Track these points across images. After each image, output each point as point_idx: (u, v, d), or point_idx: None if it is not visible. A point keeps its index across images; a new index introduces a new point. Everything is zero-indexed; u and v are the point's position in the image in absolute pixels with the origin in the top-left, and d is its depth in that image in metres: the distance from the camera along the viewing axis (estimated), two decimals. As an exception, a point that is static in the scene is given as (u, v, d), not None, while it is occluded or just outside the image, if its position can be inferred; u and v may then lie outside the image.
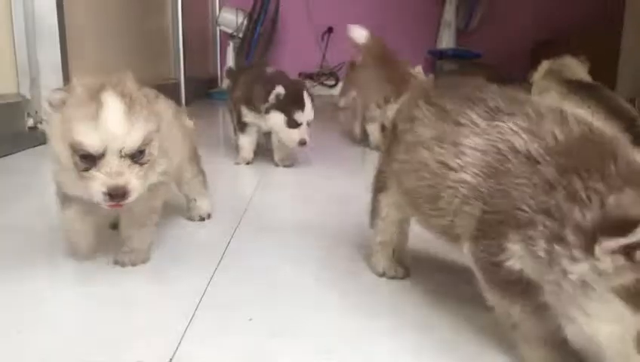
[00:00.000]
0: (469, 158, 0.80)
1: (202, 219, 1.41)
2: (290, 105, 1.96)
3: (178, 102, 3.99)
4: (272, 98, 1.95)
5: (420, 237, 1.07)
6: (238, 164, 2.15)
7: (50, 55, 2.38)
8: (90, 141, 0.90)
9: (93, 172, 0.92)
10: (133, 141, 0.93)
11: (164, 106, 1.15)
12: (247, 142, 2.14)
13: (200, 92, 4.60)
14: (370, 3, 5.28)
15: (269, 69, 2.18)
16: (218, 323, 0.89)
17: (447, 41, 5.03)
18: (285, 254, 1.20)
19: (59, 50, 2.39)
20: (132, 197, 0.94)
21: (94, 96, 0.92)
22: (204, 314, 0.91)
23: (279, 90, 1.94)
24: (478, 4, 4.91)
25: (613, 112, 1.78)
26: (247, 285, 1.04)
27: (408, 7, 5.25)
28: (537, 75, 2.29)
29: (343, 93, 3.78)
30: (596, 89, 1.89)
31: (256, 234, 1.32)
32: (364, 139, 2.62)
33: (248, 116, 2.08)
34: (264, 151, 2.30)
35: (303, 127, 1.98)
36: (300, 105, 1.97)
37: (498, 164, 0.75)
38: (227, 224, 1.39)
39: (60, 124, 0.94)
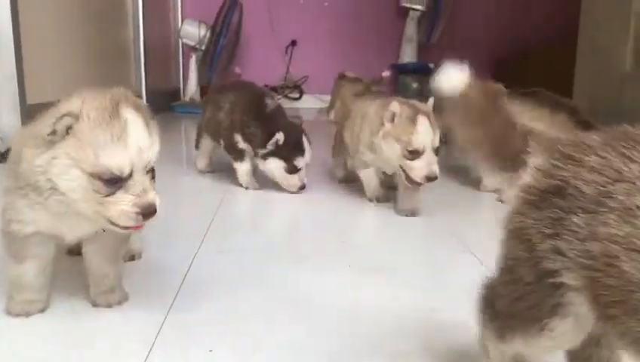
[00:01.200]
0: None
1: (133, 258, 1.26)
2: (290, 151, 1.89)
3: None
4: (271, 145, 1.88)
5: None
6: (247, 189, 2.04)
7: (4, 67, 2.31)
8: (119, 163, 0.84)
9: (119, 195, 0.86)
10: (154, 155, 0.89)
11: None
12: (246, 171, 2.03)
13: (162, 105, 4.54)
14: (334, 17, 5.31)
15: (269, 101, 2.03)
16: (178, 355, 0.87)
17: (409, 55, 5.10)
18: (248, 279, 1.19)
19: (14, 62, 2.33)
20: (157, 214, 0.89)
21: (112, 115, 0.85)
22: (163, 346, 0.90)
23: (279, 136, 1.86)
24: (438, 19, 5.00)
25: (556, 106, 1.87)
26: (208, 314, 1.02)
27: (372, 21, 5.30)
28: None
29: (331, 106, 3.83)
30: (535, 92, 1.97)
31: (218, 258, 1.31)
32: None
33: (244, 145, 1.98)
34: (228, 168, 2.28)
35: (302, 171, 1.94)
36: (301, 151, 1.90)
37: None
38: (188, 246, 1.37)
39: (73, 152, 0.84)
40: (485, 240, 1.35)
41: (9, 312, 0.98)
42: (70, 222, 0.93)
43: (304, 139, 1.92)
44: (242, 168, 2.03)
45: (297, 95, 5.34)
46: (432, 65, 4.84)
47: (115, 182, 0.85)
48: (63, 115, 0.84)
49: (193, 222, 1.60)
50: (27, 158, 0.88)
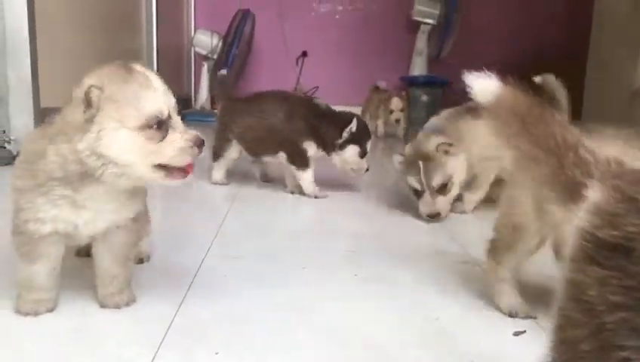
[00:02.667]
0: None
1: (141, 261, 1.27)
2: (361, 136, 2.03)
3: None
4: (347, 132, 2.00)
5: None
6: (317, 197, 2.08)
7: (19, 69, 2.35)
8: (158, 106, 0.90)
9: (170, 136, 0.91)
10: (174, 98, 0.96)
11: None
12: (311, 179, 2.07)
13: (173, 112, 4.58)
14: (345, 28, 5.35)
15: (319, 101, 2.14)
16: (184, 357, 0.88)
17: (419, 68, 5.12)
18: (255, 284, 1.20)
19: (29, 65, 2.36)
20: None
21: (128, 72, 0.91)
22: (170, 347, 0.90)
23: (353, 124, 1.99)
24: (449, 34, 5.02)
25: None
26: (215, 317, 1.03)
27: (383, 34, 5.33)
28: None
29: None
30: None
31: (226, 262, 1.32)
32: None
33: (314, 150, 2.04)
34: (230, 175, 2.29)
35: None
36: (369, 135, 2.06)
37: None
38: (196, 250, 1.38)
39: (115, 115, 0.88)
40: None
41: (18, 311, 0.99)
42: (88, 216, 0.96)
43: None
44: (308, 176, 2.05)
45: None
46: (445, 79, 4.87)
47: (161, 124, 0.91)
48: (89, 88, 0.88)
49: (202, 227, 1.61)
50: (58, 152, 0.91)
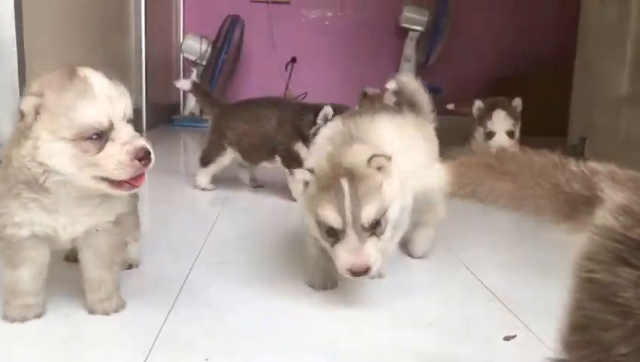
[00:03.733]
0: None
1: (130, 267, 1.26)
2: None
3: (139, 128, 3.98)
4: (320, 121, 1.93)
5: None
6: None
7: (8, 78, 2.33)
8: (95, 115, 0.86)
9: (108, 148, 0.88)
10: (128, 105, 0.92)
11: None
12: None
13: (162, 118, 4.56)
14: (334, 35, 5.36)
15: (288, 99, 2.17)
16: (173, 363, 0.87)
17: (408, 74, 5.14)
18: (244, 290, 1.19)
19: (17, 75, 2.34)
20: (152, 162, 0.92)
21: (71, 77, 0.89)
22: (159, 353, 0.90)
23: (327, 109, 1.94)
24: (437, 40, 5.05)
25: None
26: (205, 323, 1.02)
27: (371, 40, 5.35)
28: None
29: None
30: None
31: (215, 269, 1.31)
32: None
33: (305, 152, 2.01)
34: (217, 181, 2.28)
35: None
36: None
37: None
38: (186, 256, 1.37)
39: (49, 126, 0.86)
40: (479, 255, 1.36)
41: (5, 317, 0.99)
42: (64, 220, 0.94)
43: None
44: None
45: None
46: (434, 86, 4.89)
47: (98, 136, 0.86)
48: (25, 97, 0.87)
49: (191, 233, 1.61)
50: (16, 156, 0.89)
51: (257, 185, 2.30)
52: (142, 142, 0.88)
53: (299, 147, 2.03)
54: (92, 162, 0.86)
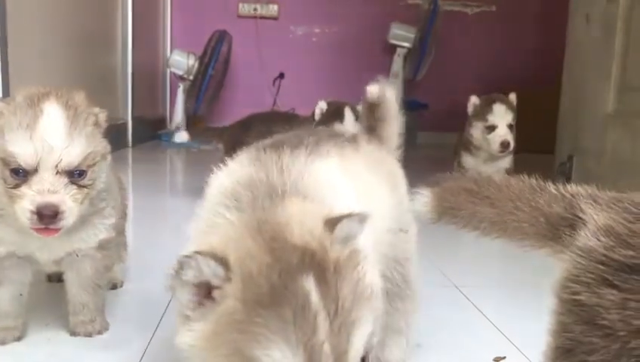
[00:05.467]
0: None
1: (115, 286, 1.23)
2: (332, 116, 2.03)
3: (124, 143, 3.94)
4: (317, 116, 2.01)
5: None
6: None
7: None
8: (23, 152, 0.80)
9: (23, 189, 0.81)
10: (72, 156, 0.82)
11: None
12: None
13: (148, 133, 4.53)
14: (322, 51, 5.38)
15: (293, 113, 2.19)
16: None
17: (396, 91, 5.16)
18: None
19: (0, 88, 2.31)
20: (65, 221, 0.82)
21: (31, 105, 0.83)
22: (143, 378, 0.87)
23: (322, 104, 2.01)
24: (424, 57, 5.08)
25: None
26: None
27: (359, 56, 5.37)
28: None
29: None
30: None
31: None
32: None
33: None
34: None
35: None
36: (341, 116, 2.05)
37: None
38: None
39: None
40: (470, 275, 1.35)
41: None
42: (37, 241, 0.90)
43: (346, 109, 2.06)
44: None
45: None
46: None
47: (19, 173, 0.82)
48: None
49: (176, 252, 1.58)
50: None
51: None
52: (54, 199, 0.81)
53: None
54: (9, 194, 0.83)
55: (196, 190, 2.31)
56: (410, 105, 4.94)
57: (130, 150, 3.91)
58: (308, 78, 5.40)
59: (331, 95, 5.44)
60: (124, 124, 4.00)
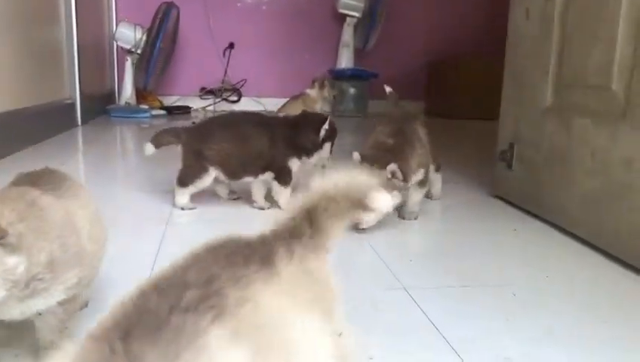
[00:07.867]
0: None
1: (80, 308, 1.16)
2: (333, 133, 2.08)
3: (74, 122, 3.86)
4: (324, 130, 2.03)
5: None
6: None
7: None
8: None
9: None
10: None
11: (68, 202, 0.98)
12: (290, 191, 2.09)
13: (97, 110, 4.45)
14: (272, 21, 5.34)
15: (291, 115, 2.17)
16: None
17: (346, 60, 5.20)
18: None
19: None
20: None
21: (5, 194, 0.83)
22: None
23: (327, 124, 2.03)
24: (374, 26, 5.11)
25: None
26: None
27: (310, 26, 5.36)
28: None
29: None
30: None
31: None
32: None
33: (297, 167, 2.08)
34: (164, 191, 2.26)
35: None
36: (335, 132, 2.11)
37: None
38: (135, 284, 1.35)
39: None
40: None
41: None
42: None
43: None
44: (288, 192, 2.06)
45: (236, 98, 5.34)
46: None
47: None
48: None
49: (137, 255, 1.55)
50: None
51: (236, 197, 2.24)
52: None
53: (292, 163, 2.07)
54: None
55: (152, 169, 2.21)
56: (361, 75, 5.00)
57: (80, 129, 3.84)
58: (258, 48, 5.37)
59: (281, 65, 5.46)
60: (73, 104, 3.92)
